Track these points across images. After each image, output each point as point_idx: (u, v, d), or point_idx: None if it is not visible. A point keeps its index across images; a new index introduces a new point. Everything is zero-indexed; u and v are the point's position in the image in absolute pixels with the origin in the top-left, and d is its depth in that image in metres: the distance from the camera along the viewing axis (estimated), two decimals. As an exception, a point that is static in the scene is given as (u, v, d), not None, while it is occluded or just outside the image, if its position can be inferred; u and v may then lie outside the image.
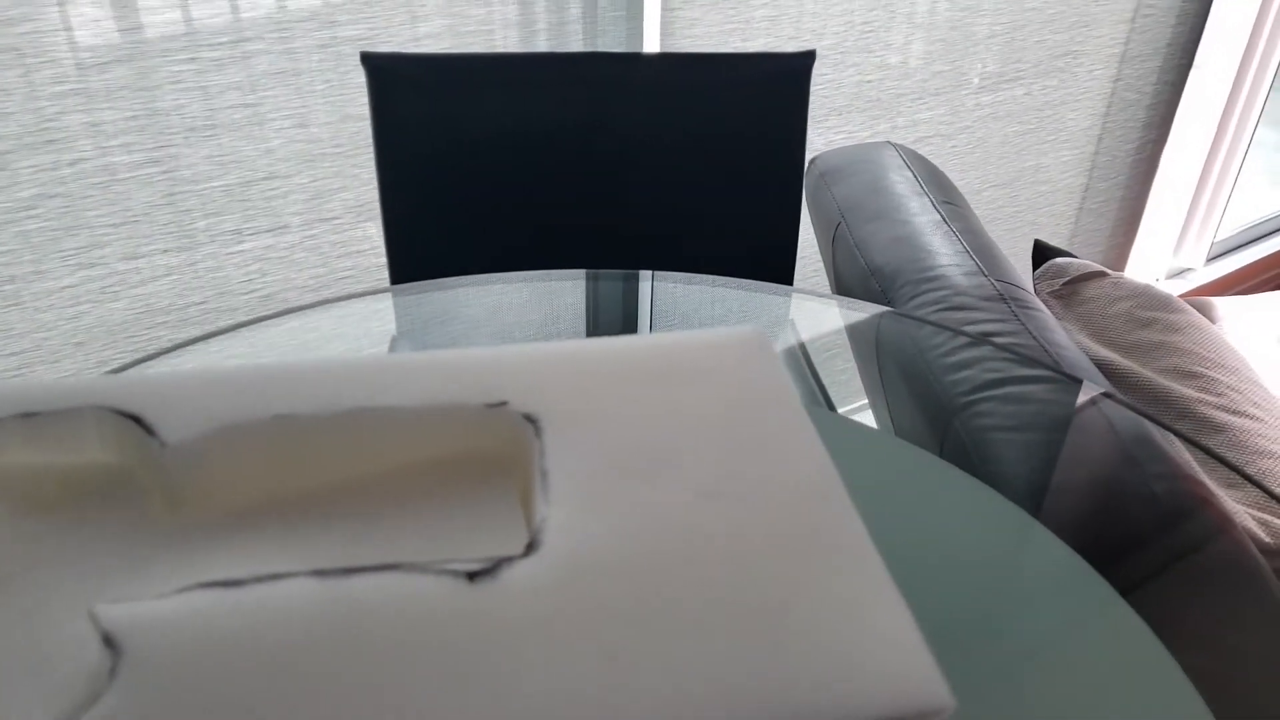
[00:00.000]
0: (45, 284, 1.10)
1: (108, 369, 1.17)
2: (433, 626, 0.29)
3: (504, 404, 0.38)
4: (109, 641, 0.28)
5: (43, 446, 0.37)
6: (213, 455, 0.36)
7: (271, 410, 0.37)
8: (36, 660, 0.29)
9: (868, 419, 0.95)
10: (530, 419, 0.38)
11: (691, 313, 0.88)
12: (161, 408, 0.37)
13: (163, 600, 0.29)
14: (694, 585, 0.30)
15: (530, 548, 0.32)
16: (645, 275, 0.91)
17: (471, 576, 0.30)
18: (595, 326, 0.88)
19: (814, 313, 0.95)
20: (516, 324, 0.88)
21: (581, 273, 0.91)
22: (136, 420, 0.36)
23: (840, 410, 0.84)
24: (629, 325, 0.87)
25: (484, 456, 0.39)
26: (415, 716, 0.26)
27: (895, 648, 0.29)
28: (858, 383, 1.01)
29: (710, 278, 0.88)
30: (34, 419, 0.36)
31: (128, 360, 1.18)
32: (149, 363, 0.71)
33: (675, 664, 0.28)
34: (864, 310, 0.92)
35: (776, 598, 0.30)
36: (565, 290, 0.90)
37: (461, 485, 0.38)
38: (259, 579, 0.30)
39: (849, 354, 0.98)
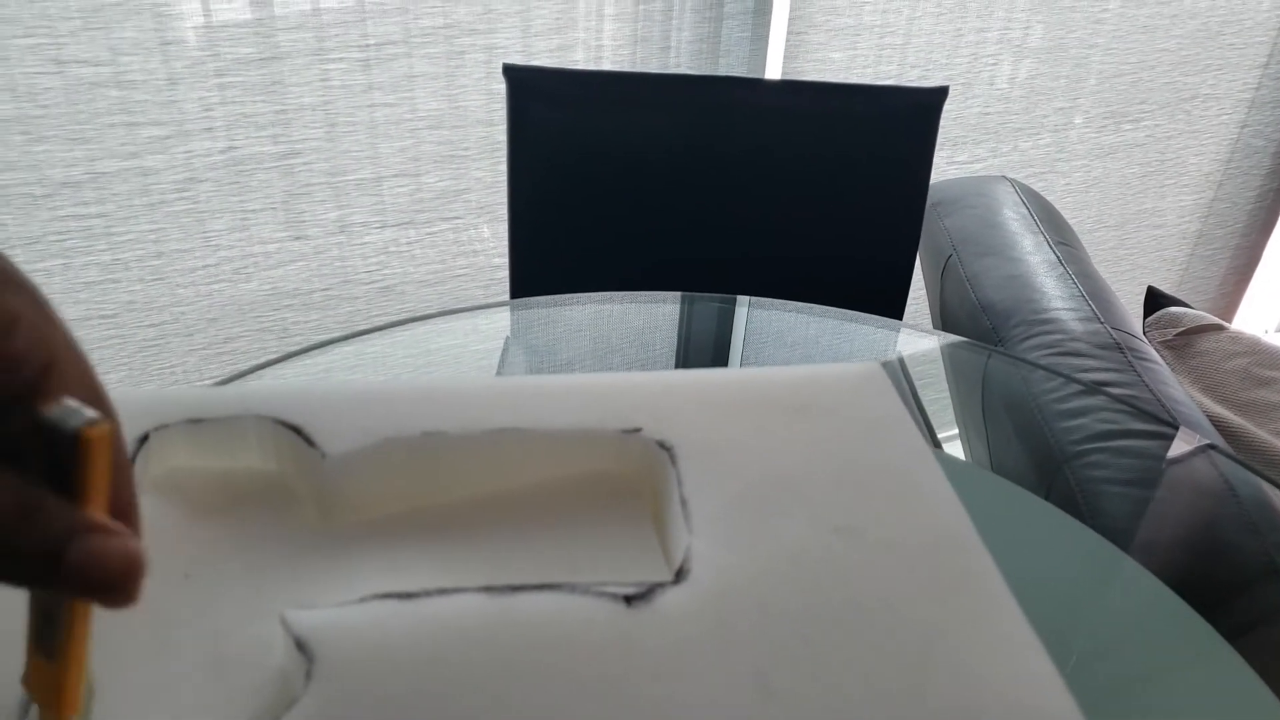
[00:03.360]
0: (188, 262, 1.17)
1: (236, 346, 1.24)
2: (595, 646, 0.30)
3: (639, 430, 0.40)
4: (301, 646, 0.29)
5: (206, 451, 0.39)
6: (367, 467, 0.38)
7: (422, 427, 0.38)
8: (218, 660, 0.31)
9: (956, 451, 0.95)
10: (664, 446, 0.39)
11: (784, 341, 0.89)
12: (320, 419, 0.38)
13: (346, 608, 0.31)
14: (837, 624, 0.31)
15: (679, 575, 0.33)
16: (742, 300, 0.93)
17: (628, 600, 0.31)
18: (686, 347, 0.90)
19: (916, 346, 0.95)
20: (612, 333, 0.91)
21: (677, 295, 0.93)
22: (297, 431, 0.38)
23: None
24: (721, 348, 0.90)
25: (618, 479, 0.40)
26: None
27: (1039, 692, 0.30)
28: (947, 415, 1.01)
29: (803, 305, 0.90)
30: (200, 425, 0.38)
31: (253, 339, 1.25)
32: (276, 366, 0.75)
33: (825, 697, 0.29)
34: (969, 348, 0.92)
35: (916, 639, 0.31)
36: (664, 314, 0.92)
37: (595, 507, 0.39)
38: (431, 592, 0.32)
39: (940, 384, 0.98)
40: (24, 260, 1.09)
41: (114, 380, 1.18)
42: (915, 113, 0.95)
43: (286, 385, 0.41)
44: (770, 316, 0.91)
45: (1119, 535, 0.68)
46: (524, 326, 0.92)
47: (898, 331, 0.95)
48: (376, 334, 0.83)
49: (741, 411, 0.41)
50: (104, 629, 0.30)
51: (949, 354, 0.95)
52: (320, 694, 0.28)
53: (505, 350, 0.90)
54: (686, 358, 0.90)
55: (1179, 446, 0.76)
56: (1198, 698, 0.47)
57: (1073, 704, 0.30)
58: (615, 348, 0.90)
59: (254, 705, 0.29)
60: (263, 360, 0.75)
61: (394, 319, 0.88)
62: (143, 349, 1.19)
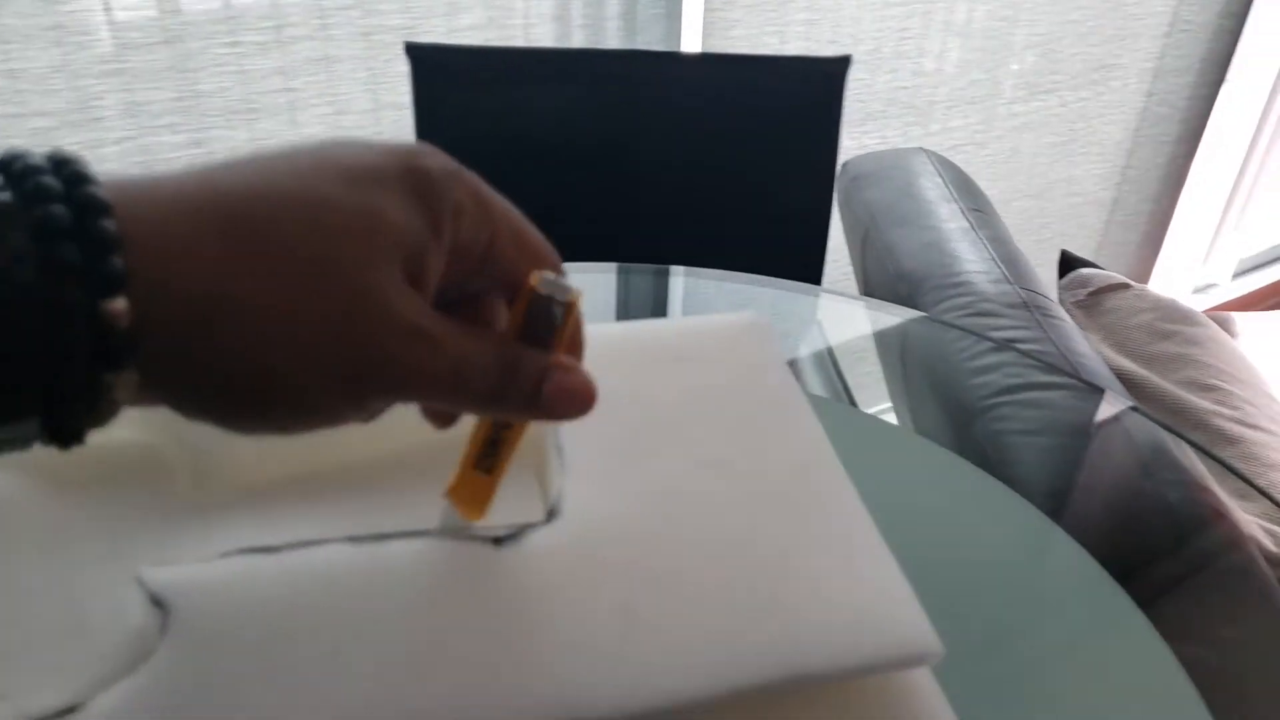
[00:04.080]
0: (90, 258, 1.13)
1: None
2: (463, 588, 0.30)
3: None
4: (157, 602, 0.29)
5: None
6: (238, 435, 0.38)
7: None
8: (78, 623, 0.31)
9: (892, 419, 0.97)
10: None
11: (721, 309, 0.89)
12: None
13: (205, 564, 0.30)
14: (699, 547, 0.33)
15: (550, 516, 0.34)
16: (677, 271, 0.93)
17: (497, 541, 0.32)
18: (625, 317, 0.89)
19: (842, 314, 0.96)
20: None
21: (613, 266, 0.92)
22: None
23: (866, 411, 0.85)
24: (658, 317, 0.89)
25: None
26: (449, 671, 0.28)
27: (885, 598, 0.31)
28: (884, 386, 1.02)
29: (742, 275, 0.90)
30: None
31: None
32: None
33: (684, 618, 0.30)
34: (890, 312, 0.94)
35: (777, 556, 0.32)
36: (597, 284, 0.91)
37: None
38: (295, 544, 0.31)
39: (875, 356, 0.99)
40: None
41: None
42: (822, 82, 0.96)
43: None
44: (704, 285, 0.91)
45: (1027, 486, 0.69)
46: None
47: (818, 298, 0.96)
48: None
49: (627, 362, 0.41)
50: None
51: (872, 322, 0.96)
52: (175, 647, 0.27)
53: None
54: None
55: (1087, 401, 0.78)
56: (1102, 660, 0.48)
57: (920, 612, 0.31)
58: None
59: (112, 663, 0.29)
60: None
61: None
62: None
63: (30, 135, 1.04)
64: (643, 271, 0.93)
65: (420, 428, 0.40)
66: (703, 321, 0.45)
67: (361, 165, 0.26)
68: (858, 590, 0.31)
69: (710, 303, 0.91)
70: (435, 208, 0.27)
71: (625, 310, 0.90)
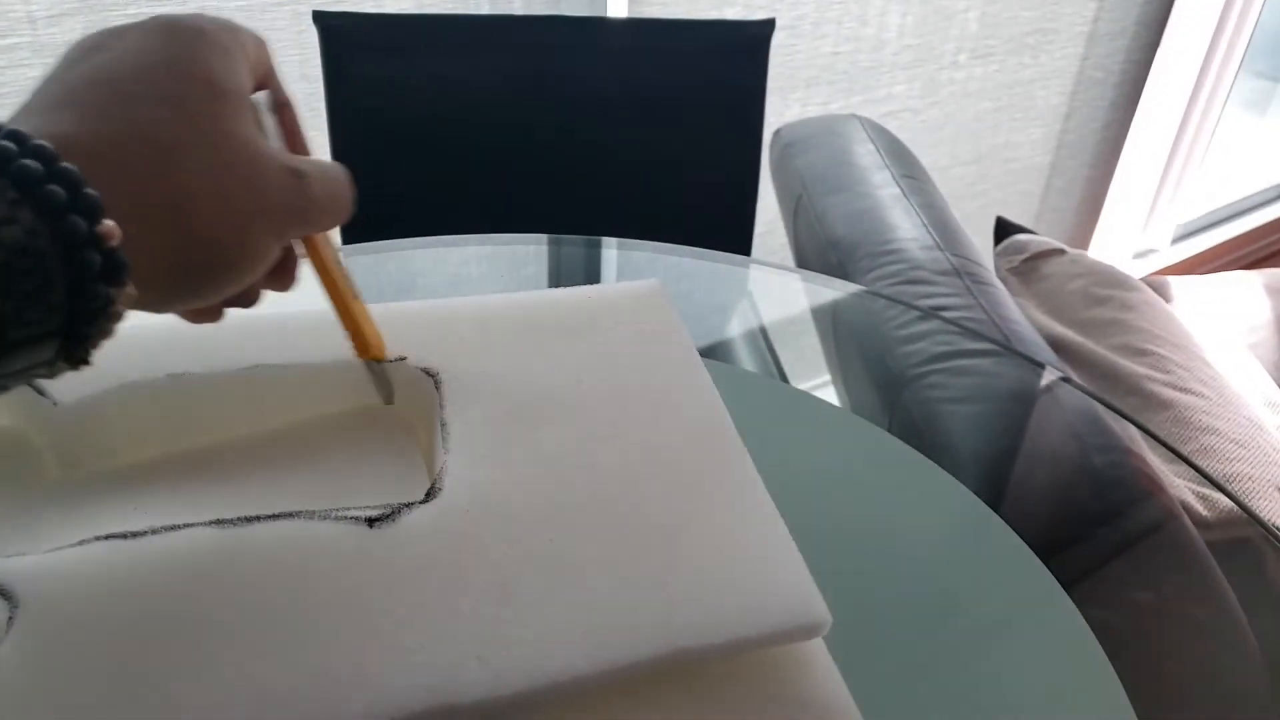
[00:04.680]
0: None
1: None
2: (333, 570, 0.29)
3: (403, 359, 0.39)
4: (3, 593, 0.27)
5: None
6: (106, 414, 0.36)
7: (166, 369, 0.36)
8: None
9: (830, 394, 0.95)
10: (429, 373, 0.38)
11: (653, 276, 0.87)
12: None
13: (59, 552, 0.29)
14: (586, 523, 0.31)
15: (430, 494, 0.32)
16: (610, 243, 0.90)
17: (371, 522, 0.31)
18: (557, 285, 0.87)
19: (776, 285, 0.94)
20: (477, 292, 0.87)
21: (544, 238, 0.89)
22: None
23: (802, 386, 0.84)
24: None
25: (385, 412, 0.39)
26: (316, 657, 0.26)
27: (776, 568, 0.30)
28: (821, 359, 1.01)
29: (672, 246, 0.87)
30: None
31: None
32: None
33: (567, 598, 0.29)
34: (823, 283, 0.92)
35: (663, 529, 0.31)
36: (527, 255, 0.88)
37: (362, 441, 0.38)
38: (157, 530, 0.30)
39: (813, 329, 0.98)
40: None
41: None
42: (746, 46, 0.93)
43: None
44: (638, 257, 0.88)
45: (957, 455, 0.68)
46: (368, 290, 0.87)
47: (748, 269, 0.94)
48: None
49: (518, 335, 0.40)
50: None
51: (805, 293, 0.95)
52: (22, 637, 0.26)
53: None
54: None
55: (1016, 368, 0.77)
56: (1025, 641, 0.47)
57: (809, 581, 0.30)
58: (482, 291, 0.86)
59: None
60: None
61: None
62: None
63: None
64: (574, 243, 0.90)
65: (309, 404, 0.39)
66: (599, 290, 0.43)
67: (177, 28, 0.30)
68: (744, 562, 0.30)
69: (643, 274, 0.88)
70: (254, 54, 0.33)
71: (556, 283, 0.88)
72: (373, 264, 0.85)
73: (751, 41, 0.93)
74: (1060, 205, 2.09)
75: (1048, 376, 0.75)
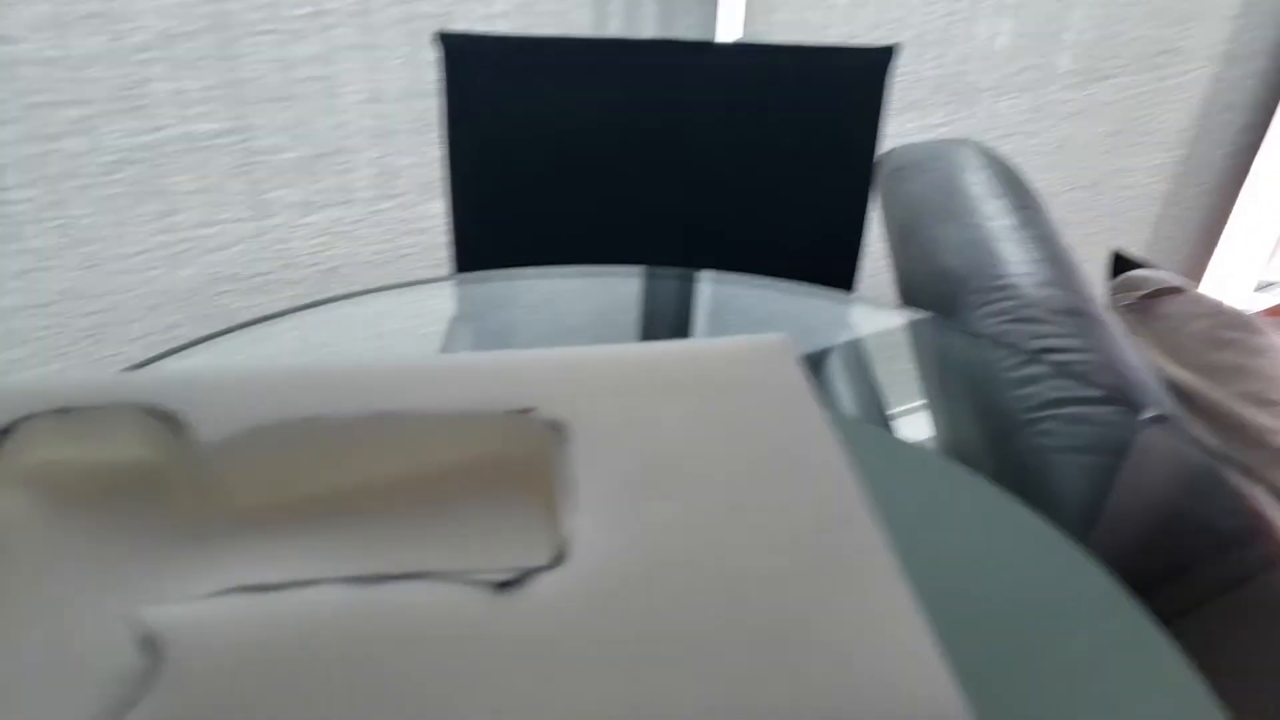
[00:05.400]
0: (123, 248, 1.14)
1: (177, 334, 1.21)
2: (460, 636, 0.29)
3: (530, 410, 0.39)
4: (149, 644, 0.28)
5: (77, 442, 0.38)
6: (243, 455, 0.37)
7: (303, 411, 0.37)
8: (69, 657, 0.30)
9: (925, 432, 0.94)
10: (555, 426, 0.38)
11: (746, 312, 0.87)
12: (195, 406, 0.37)
13: (199, 604, 0.30)
14: (717, 602, 0.31)
15: (557, 559, 0.32)
16: (704, 276, 0.90)
17: (499, 587, 0.31)
18: (648, 324, 0.87)
19: (876, 320, 0.93)
20: (569, 313, 0.88)
21: (637, 270, 0.90)
22: (170, 418, 0.37)
23: (902, 420, 0.83)
24: (681, 325, 0.87)
25: (509, 462, 0.39)
26: None
27: (912, 665, 0.29)
28: (915, 391, 0.99)
29: (768, 280, 0.87)
30: (69, 414, 0.37)
31: (196, 326, 1.22)
32: (209, 343, 0.72)
33: (698, 682, 0.28)
34: (926, 323, 0.90)
35: (797, 614, 0.31)
36: (620, 288, 0.89)
37: (486, 490, 0.38)
38: (291, 584, 0.30)
39: (910, 365, 0.96)
40: (-51, 249, 1.06)
41: (54, 371, 1.15)
42: (864, 73, 0.92)
43: (163, 372, 0.39)
44: (731, 291, 0.88)
45: (1067, 505, 0.66)
46: (472, 305, 0.89)
47: (850, 306, 0.93)
48: (318, 316, 0.80)
49: (641, 388, 0.40)
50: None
51: (910, 329, 0.93)
52: (164, 693, 0.27)
53: (451, 332, 0.87)
54: (649, 334, 0.88)
55: (1134, 417, 0.74)
56: (1126, 686, 0.46)
57: (950, 684, 0.29)
58: (572, 327, 0.88)
59: (98, 705, 0.29)
60: (206, 333, 0.72)
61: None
62: (80, 339, 1.16)
63: (70, 124, 1.04)
64: (667, 276, 0.91)
65: (436, 451, 0.39)
66: (722, 344, 0.43)
67: None
68: (882, 656, 0.30)
69: (737, 308, 0.88)
70: None
71: (649, 317, 0.88)
72: (477, 291, 0.88)
73: (871, 68, 0.91)
74: (1175, 234, 2.01)
75: (1168, 428, 0.72)
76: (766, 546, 0.33)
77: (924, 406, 0.94)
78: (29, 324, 1.13)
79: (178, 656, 0.28)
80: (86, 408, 0.37)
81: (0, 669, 0.29)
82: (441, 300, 0.89)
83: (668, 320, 0.88)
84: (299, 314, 0.79)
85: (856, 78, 0.92)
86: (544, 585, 0.31)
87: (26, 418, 0.36)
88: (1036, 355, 0.80)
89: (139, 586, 0.33)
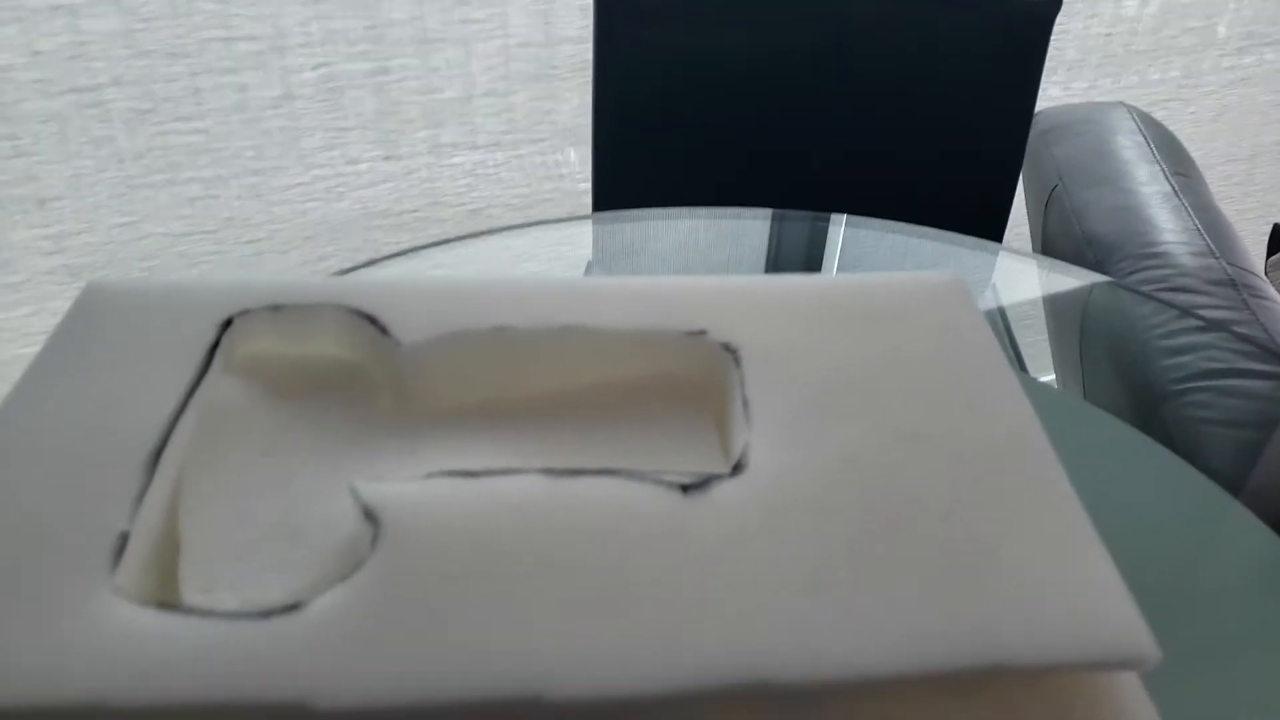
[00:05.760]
0: (281, 180, 1.20)
1: (329, 265, 1.27)
2: (648, 531, 0.30)
3: (704, 332, 0.39)
4: (369, 514, 0.30)
5: (287, 338, 0.40)
6: (439, 358, 0.38)
7: (493, 321, 0.39)
8: (296, 526, 0.33)
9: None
10: (729, 349, 0.39)
11: (880, 262, 0.86)
12: (395, 310, 0.39)
13: (413, 483, 0.32)
14: (896, 523, 0.31)
15: (737, 469, 0.33)
16: (837, 219, 0.90)
17: (685, 489, 0.32)
18: (775, 268, 0.88)
19: (1015, 274, 0.91)
20: (699, 263, 0.89)
21: (767, 212, 0.90)
22: (372, 320, 0.39)
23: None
24: (811, 269, 0.87)
25: (681, 381, 0.40)
26: (634, 617, 0.28)
27: (1101, 596, 0.29)
28: (1045, 354, 0.97)
29: (902, 225, 0.86)
30: (281, 311, 0.39)
31: (346, 258, 1.28)
32: (362, 270, 0.76)
33: (877, 598, 0.28)
34: (1074, 275, 0.88)
35: (979, 541, 0.30)
36: (750, 230, 0.90)
37: (660, 406, 0.39)
38: (493, 471, 0.32)
39: (1040, 323, 0.94)
40: (133, 174, 1.14)
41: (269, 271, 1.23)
42: (1025, 24, 0.90)
43: (365, 277, 0.42)
44: (865, 235, 0.88)
45: (1221, 479, 0.65)
46: (606, 247, 0.91)
47: (996, 255, 0.91)
48: (460, 249, 0.83)
49: (811, 317, 0.40)
50: (189, 500, 0.33)
51: (1050, 283, 0.91)
52: (385, 558, 0.29)
53: (587, 274, 0.90)
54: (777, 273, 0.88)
55: (1294, 388, 0.71)
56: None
57: (1134, 609, 0.29)
58: (701, 268, 0.89)
59: (324, 568, 0.31)
60: (351, 265, 0.76)
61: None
62: (241, 264, 1.24)
63: (239, 59, 1.10)
64: (798, 219, 0.90)
65: (615, 366, 0.41)
66: (897, 278, 0.42)
67: None
68: (1069, 586, 0.29)
69: (868, 255, 0.88)
70: None
71: (775, 259, 0.89)
72: (611, 234, 0.90)
73: (1033, 21, 0.89)
74: (1340, 213, 1.89)
75: (1333, 405, 0.69)
76: (945, 472, 0.33)
77: (1054, 373, 0.92)
78: (197, 248, 1.21)
79: (394, 526, 0.30)
80: (296, 306, 0.39)
81: (237, 536, 0.32)
82: (578, 245, 0.92)
83: (795, 263, 0.88)
84: (442, 248, 0.83)
85: (1017, 29, 0.90)
86: (725, 491, 0.32)
87: (243, 313, 0.39)
88: (1194, 321, 0.78)
89: (354, 469, 0.35)
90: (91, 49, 1.05)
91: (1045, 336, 0.95)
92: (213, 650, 0.26)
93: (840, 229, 0.90)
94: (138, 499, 0.30)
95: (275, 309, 0.39)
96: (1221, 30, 1.55)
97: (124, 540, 0.29)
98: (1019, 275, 0.91)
